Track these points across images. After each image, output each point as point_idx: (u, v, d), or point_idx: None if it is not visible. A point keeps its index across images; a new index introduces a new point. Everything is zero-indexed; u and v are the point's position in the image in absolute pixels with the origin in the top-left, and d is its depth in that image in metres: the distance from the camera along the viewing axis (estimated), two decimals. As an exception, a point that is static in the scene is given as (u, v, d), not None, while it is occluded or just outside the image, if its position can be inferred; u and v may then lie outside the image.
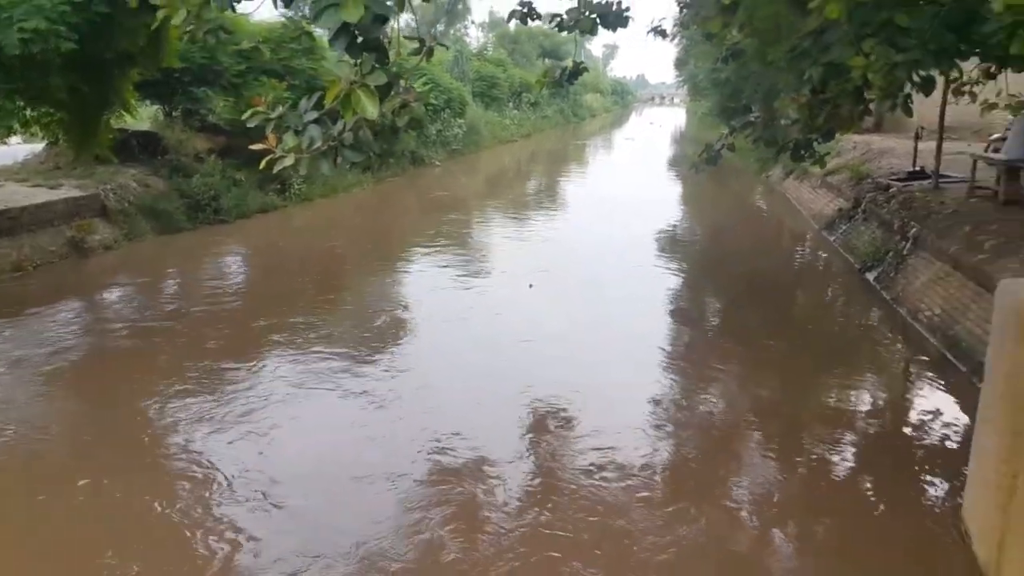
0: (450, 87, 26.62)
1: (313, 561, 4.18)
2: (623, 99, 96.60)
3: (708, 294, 10.67)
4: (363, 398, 6.45)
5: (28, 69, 8.13)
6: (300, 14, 15.94)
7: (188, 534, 4.48)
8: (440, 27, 38.70)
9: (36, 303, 8.91)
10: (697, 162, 8.81)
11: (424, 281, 10.75)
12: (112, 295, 10.05)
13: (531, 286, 9.89)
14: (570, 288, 10.17)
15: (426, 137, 23.81)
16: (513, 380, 6.89)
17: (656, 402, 6.41)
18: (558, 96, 45.74)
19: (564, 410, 6.23)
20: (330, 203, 16.84)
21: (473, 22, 57.47)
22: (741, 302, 9.94)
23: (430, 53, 4.64)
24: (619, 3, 7.26)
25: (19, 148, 13.42)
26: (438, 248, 12.79)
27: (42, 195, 11.42)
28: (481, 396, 6.62)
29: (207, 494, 4.88)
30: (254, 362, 7.25)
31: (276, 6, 4.79)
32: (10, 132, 9.06)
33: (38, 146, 13.96)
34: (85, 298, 9.71)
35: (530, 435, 5.81)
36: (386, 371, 7.14)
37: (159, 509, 4.74)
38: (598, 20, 7.28)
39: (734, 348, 8.04)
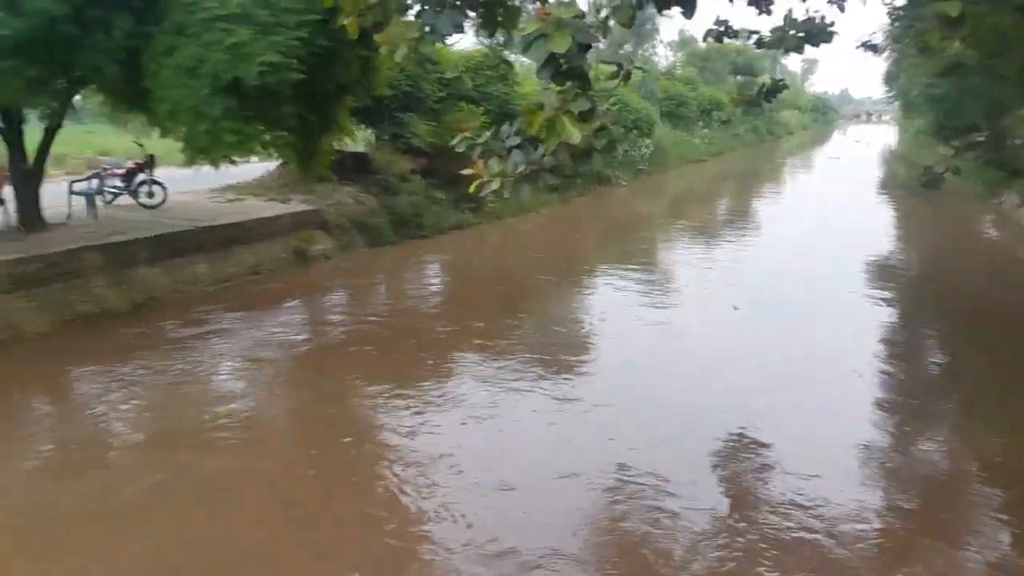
0: (638, 107, 26.58)
1: (522, 543, 4.57)
2: (824, 116, 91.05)
3: (929, 331, 9.80)
4: (561, 403, 6.81)
5: (264, 98, 9.06)
6: (497, 42, 16.67)
7: (428, 500, 5.12)
8: (628, 47, 38.65)
9: (273, 301, 10.30)
10: (915, 185, 8.13)
11: (617, 298, 10.84)
12: (334, 297, 11.35)
13: (736, 308, 9.63)
14: (774, 314, 9.84)
15: (613, 157, 23.90)
16: (710, 402, 6.84)
17: (868, 445, 6.00)
18: (751, 113, 44.07)
19: (765, 440, 6.05)
20: (519, 221, 17.37)
21: (662, 41, 56.86)
22: (969, 343, 8.96)
23: (627, 77, 4.72)
24: (823, 18, 6.91)
25: (257, 167, 15.18)
26: (629, 266, 12.84)
27: (274, 209, 12.87)
28: (677, 414, 6.61)
29: (441, 468, 5.54)
30: (462, 358, 8.02)
31: (477, 36, 5.08)
32: (250, 153, 10.27)
33: (272, 164, 15.70)
34: (312, 298, 11.00)
35: (727, 460, 5.77)
36: (584, 380, 7.46)
37: (403, 474, 5.47)
38: (804, 37, 6.96)
39: (960, 394, 7.33)
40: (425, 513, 4.95)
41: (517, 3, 5.24)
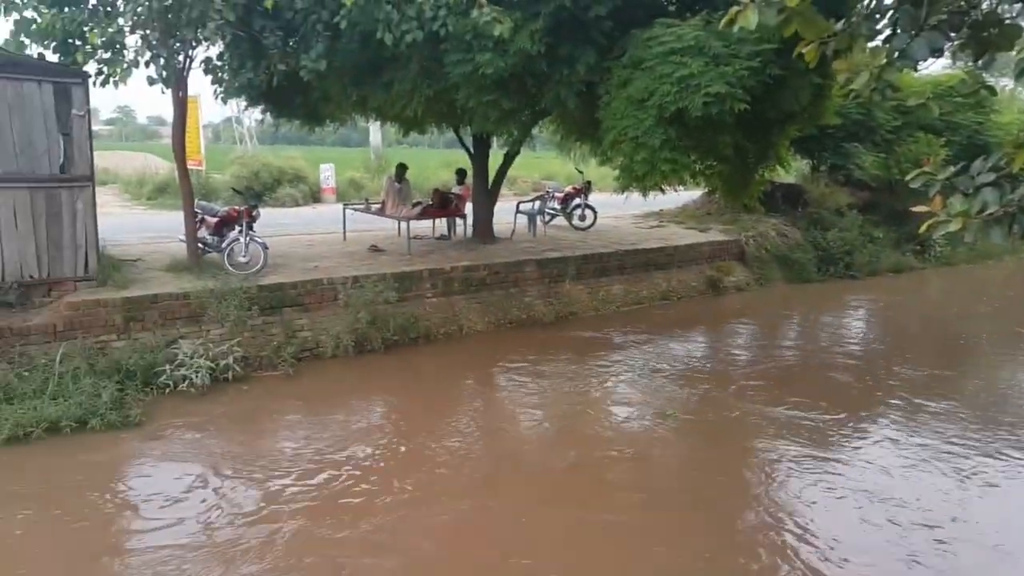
0: None
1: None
2: None
3: None
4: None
5: (705, 129, 9.12)
6: (975, 65, 14.50)
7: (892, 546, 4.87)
8: None
9: (684, 326, 10.58)
10: None
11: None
12: (749, 328, 11.11)
13: None
14: None
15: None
16: None
17: None
18: None
19: None
20: (975, 269, 15.06)
21: None
22: None
23: None
24: None
25: (683, 195, 15.56)
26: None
27: (693, 237, 13.05)
28: None
29: (906, 513, 5.28)
30: (881, 417, 7.33)
31: (954, 60, 4.44)
32: (681, 182, 10.48)
33: (695, 193, 15.94)
34: (726, 328, 10.92)
35: None
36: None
37: (849, 502, 5.40)
38: None
39: None
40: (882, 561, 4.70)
41: (1008, 20, 4.47)
